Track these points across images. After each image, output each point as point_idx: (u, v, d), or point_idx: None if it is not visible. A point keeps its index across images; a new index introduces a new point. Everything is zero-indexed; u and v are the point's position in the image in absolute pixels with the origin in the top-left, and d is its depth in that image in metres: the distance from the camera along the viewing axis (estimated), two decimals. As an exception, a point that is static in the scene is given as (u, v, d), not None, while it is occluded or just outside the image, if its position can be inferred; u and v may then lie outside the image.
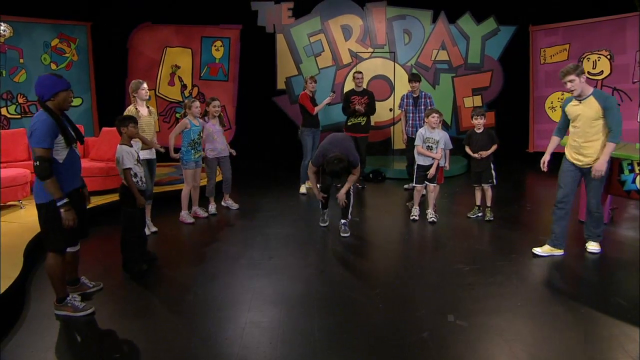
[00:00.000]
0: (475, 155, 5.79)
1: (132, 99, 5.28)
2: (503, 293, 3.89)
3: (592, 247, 4.78)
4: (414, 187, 6.08)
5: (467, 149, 5.91)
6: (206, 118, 6.05)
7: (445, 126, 6.41)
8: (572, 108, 4.51)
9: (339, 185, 5.81)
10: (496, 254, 4.79)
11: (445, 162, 6.00)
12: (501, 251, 4.88)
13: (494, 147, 5.78)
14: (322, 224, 5.62)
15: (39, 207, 3.41)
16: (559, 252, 4.73)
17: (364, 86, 7.75)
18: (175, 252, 4.97)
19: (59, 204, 3.31)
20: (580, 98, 4.40)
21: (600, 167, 4.37)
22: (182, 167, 5.79)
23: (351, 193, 5.38)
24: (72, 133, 3.45)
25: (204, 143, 6.01)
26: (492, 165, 5.81)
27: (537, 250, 4.78)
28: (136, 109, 5.17)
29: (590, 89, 4.38)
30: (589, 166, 4.47)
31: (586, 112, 4.37)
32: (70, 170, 3.43)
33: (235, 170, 6.39)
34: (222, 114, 6.22)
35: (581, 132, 4.44)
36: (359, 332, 3.28)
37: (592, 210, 4.70)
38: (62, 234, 3.41)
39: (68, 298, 3.55)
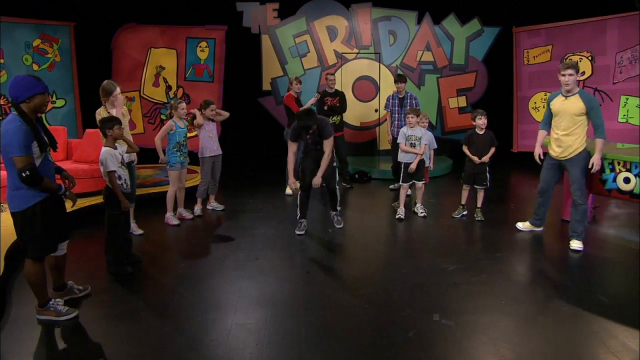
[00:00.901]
0: (475, 157, 5.78)
1: (102, 100, 4.92)
2: (488, 292, 3.92)
3: (576, 245, 4.85)
4: (400, 186, 6.11)
5: (465, 149, 5.87)
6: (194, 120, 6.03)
7: (430, 126, 6.45)
8: (557, 103, 4.84)
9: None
10: (481, 253, 4.84)
11: (429, 162, 6.09)
12: (486, 250, 4.92)
13: (493, 150, 5.80)
14: (298, 232, 5.49)
15: (14, 215, 3.30)
16: (538, 229, 5.38)
17: (344, 87, 7.82)
18: (161, 254, 4.93)
19: (59, 192, 3.38)
20: (567, 94, 4.75)
21: (598, 162, 4.72)
22: (168, 168, 5.75)
23: (337, 187, 5.62)
24: (45, 139, 3.31)
25: (200, 144, 6.05)
26: (487, 168, 5.85)
27: (519, 225, 5.47)
28: (108, 112, 4.83)
29: (577, 88, 4.73)
30: (568, 157, 4.80)
31: (570, 107, 4.73)
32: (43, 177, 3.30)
33: (221, 170, 6.36)
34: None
35: (564, 125, 4.79)
36: (345, 333, 3.29)
37: (576, 202, 4.85)
38: (40, 242, 3.34)
39: (50, 302, 3.48)
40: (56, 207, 3.44)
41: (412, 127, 5.96)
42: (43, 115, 8.60)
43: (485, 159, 5.77)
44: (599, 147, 4.71)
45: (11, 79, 3.37)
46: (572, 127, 4.74)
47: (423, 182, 6.05)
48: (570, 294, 3.87)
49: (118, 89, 4.96)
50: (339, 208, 5.79)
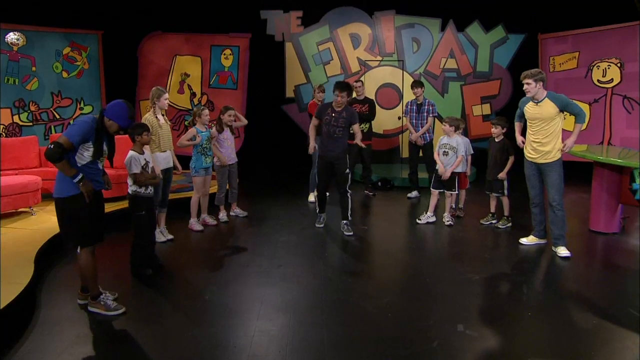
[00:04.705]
0: (488, 172, 5.88)
1: (151, 106, 5.19)
2: (513, 302, 3.86)
3: (561, 251, 4.79)
4: (417, 196, 6.12)
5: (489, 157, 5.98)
6: (219, 127, 6.07)
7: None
8: (530, 109, 4.91)
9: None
10: (506, 263, 4.76)
11: (466, 168, 6.11)
12: (511, 260, 4.84)
13: (510, 162, 5.75)
14: (317, 225, 5.95)
15: (57, 201, 3.48)
16: (542, 241, 5.19)
17: (367, 94, 7.84)
18: (184, 259, 4.98)
19: (74, 180, 3.40)
20: (536, 101, 4.82)
21: (571, 143, 4.76)
22: (192, 174, 5.81)
23: (349, 197, 5.70)
24: (104, 150, 3.57)
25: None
26: (505, 176, 5.78)
27: (523, 240, 5.25)
28: (156, 117, 5.13)
29: (545, 92, 4.78)
30: (545, 162, 4.83)
31: (543, 113, 4.78)
32: (85, 176, 3.46)
33: (244, 178, 6.42)
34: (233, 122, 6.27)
35: (540, 130, 4.83)
36: (368, 342, 3.26)
37: (554, 207, 4.85)
38: (88, 229, 3.52)
39: (102, 296, 3.63)
40: (97, 205, 3.62)
41: (449, 136, 5.97)
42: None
43: (502, 175, 5.76)
44: (576, 131, 4.76)
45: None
46: (549, 131, 4.77)
47: (452, 192, 6.02)
48: (599, 306, 3.78)
49: (167, 94, 5.26)
50: (350, 218, 5.72)
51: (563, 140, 4.82)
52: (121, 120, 3.53)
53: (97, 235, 3.66)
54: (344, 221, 5.74)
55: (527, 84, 4.78)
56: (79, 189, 3.43)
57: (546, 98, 4.77)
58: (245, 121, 6.52)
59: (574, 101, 4.81)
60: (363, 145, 5.86)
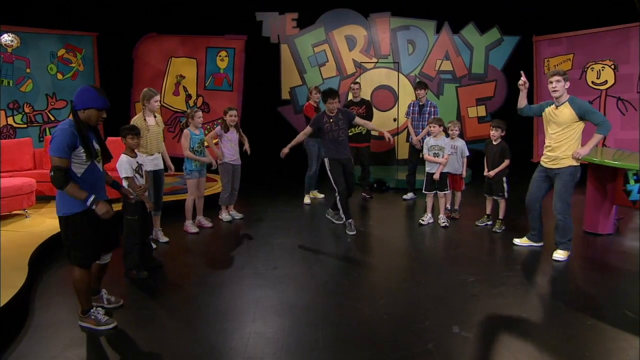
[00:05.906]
0: (491, 172, 5.81)
1: (141, 107, 5.13)
2: (508, 304, 3.86)
3: (557, 255, 4.79)
4: (413, 198, 6.12)
5: (485, 159, 5.93)
6: (224, 127, 6.07)
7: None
8: (549, 112, 4.73)
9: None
10: (502, 265, 4.77)
11: (462, 170, 6.11)
12: (507, 262, 4.85)
13: (504, 164, 5.72)
14: (350, 232, 5.74)
15: (59, 219, 3.35)
16: (537, 244, 5.16)
17: (363, 96, 7.88)
18: (180, 261, 4.97)
19: (87, 203, 3.23)
20: (558, 103, 4.63)
21: (583, 152, 4.57)
22: (185, 177, 5.79)
23: (337, 196, 5.80)
24: (96, 147, 3.36)
25: (221, 150, 6.10)
26: (504, 178, 5.77)
27: (516, 241, 5.25)
28: (145, 119, 5.05)
29: (567, 96, 4.59)
30: (554, 167, 4.72)
31: (561, 116, 4.61)
32: (88, 185, 3.30)
33: (240, 179, 6.39)
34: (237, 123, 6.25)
35: (555, 135, 4.69)
36: (363, 344, 3.26)
37: (555, 214, 4.78)
38: (83, 250, 3.35)
39: (92, 310, 3.48)
40: (102, 219, 3.39)
41: (435, 137, 5.96)
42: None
43: (491, 173, 5.75)
44: (593, 140, 4.51)
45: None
46: (564, 136, 4.62)
47: (445, 191, 6.04)
48: (594, 308, 3.78)
49: (157, 97, 5.17)
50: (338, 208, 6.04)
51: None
52: (94, 102, 3.26)
53: (94, 255, 3.48)
54: (332, 211, 6.14)
55: (557, 81, 4.51)
56: (80, 207, 3.26)
57: (566, 102, 4.56)
58: (244, 139, 6.35)
59: (597, 110, 4.57)
60: (389, 136, 5.88)
